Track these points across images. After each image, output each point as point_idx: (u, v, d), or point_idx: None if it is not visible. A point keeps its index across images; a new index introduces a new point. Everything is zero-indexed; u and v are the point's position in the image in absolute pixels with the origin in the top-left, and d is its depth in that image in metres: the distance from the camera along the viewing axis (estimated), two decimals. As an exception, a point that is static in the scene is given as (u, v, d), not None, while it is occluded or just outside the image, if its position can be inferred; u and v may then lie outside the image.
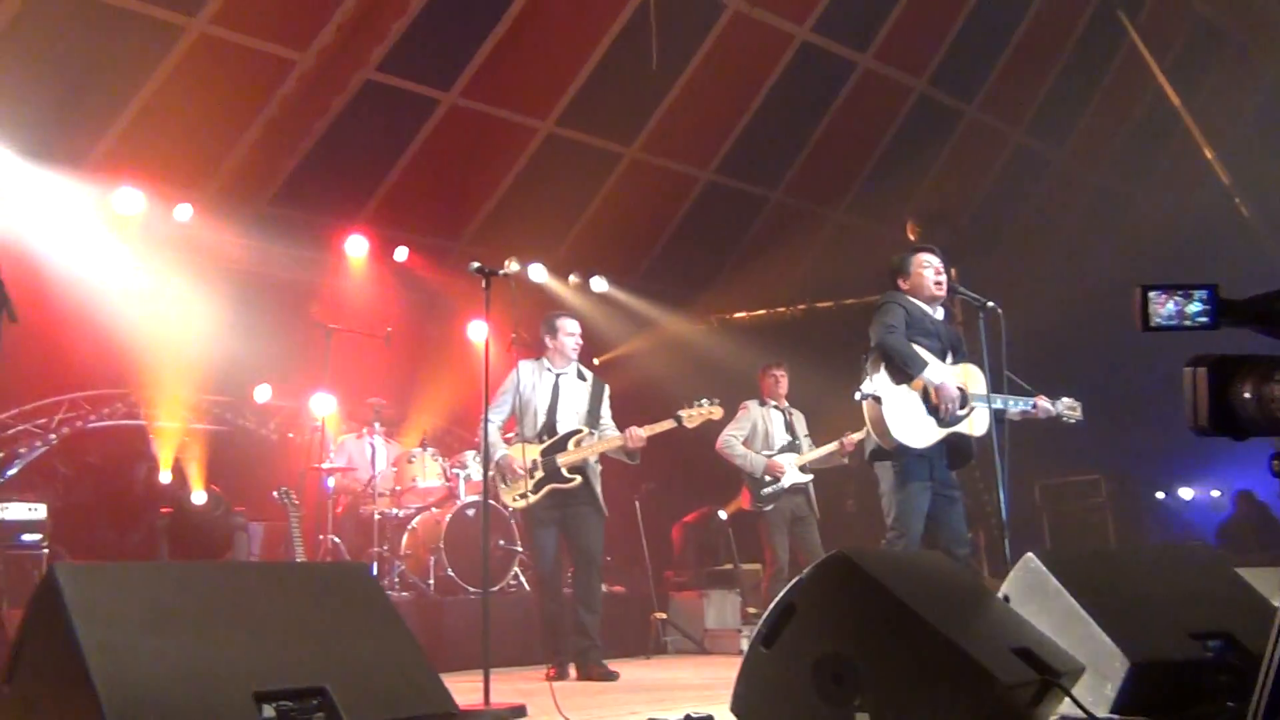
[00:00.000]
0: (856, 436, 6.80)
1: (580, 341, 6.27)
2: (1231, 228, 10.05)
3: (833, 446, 7.17)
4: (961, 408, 4.99)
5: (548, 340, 6.19)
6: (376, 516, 7.51)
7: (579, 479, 5.95)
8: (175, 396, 8.32)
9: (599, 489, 6.05)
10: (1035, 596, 3.34)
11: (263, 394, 8.86)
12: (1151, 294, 2.08)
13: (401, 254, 9.22)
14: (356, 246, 9.02)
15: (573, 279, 10.11)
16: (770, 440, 7.30)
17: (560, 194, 9.66)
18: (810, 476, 7.26)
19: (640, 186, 9.97)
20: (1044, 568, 3.37)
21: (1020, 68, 10.65)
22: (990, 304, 5.03)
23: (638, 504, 8.04)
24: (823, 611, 2.96)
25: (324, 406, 7.87)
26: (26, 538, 6.40)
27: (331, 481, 7.66)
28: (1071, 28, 10.74)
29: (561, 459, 5.96)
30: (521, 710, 4.15)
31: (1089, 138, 11.61)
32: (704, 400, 6.17)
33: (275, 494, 6.99)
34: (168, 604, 2.50)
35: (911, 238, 9.99)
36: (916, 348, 5.00)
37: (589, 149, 9.55)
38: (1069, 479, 10.41)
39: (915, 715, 2.72)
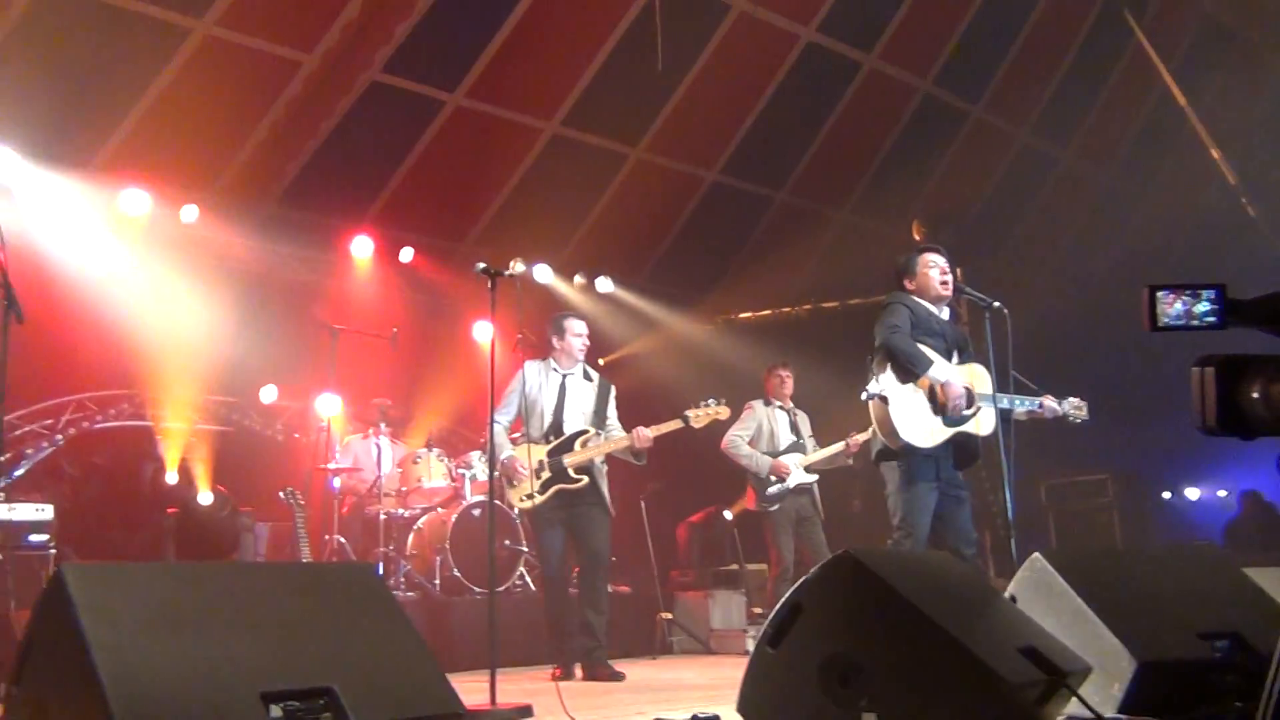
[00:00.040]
0: (862, 437, 6.79)
1: (587, 342, 6.27)
2: (1238, 228, 10.03)
3: (838, 447, 7.17)
4: (968, 407, 4.99)
5: (555, 341, 6.19)
6: (382, 517, 7.52)
7: (585, 479, 5.95)
8: (181, 397, 8.34)
9: (606, 489, 6.05)
10: (1042, 596, 3.34)
11: (269, 395, 8.87)
12: (1159, 294, 2.08)
13: (407, 255, 9.23)
14: (362, 247, 9.03)
15: (578, 279, 10.11)
16: (775, 440, 7.29)
17: (565, 195, 9.66)
18: (815, 477, 7.25)
19: (646, 187, 9.97)
20: (1050, 567, 3.36)
21: (1026, 68, 10.63)
22: (996, 304, 5.04)
23: (643, 504, 8.04)
24: (829, 612, 2.95)
25: (330, 407, 7.88)
26: (34, 538, 6.40)
27: (337, 482, 7.66)
28: (1078, 28, 10.71)
29: (568, 459, 5.96)
30: (528, 710, 4.15)
31: (1095, 138, 11.57)
32: (710, 400, 6.17)
33: (281, 494, 7.02)
34: (175, 604, 2.50)
35: (917, 238, 9.96)
36: (921, 347, 5.00)
37: (594, 150, 9.55)
38: (1075, 479, 10.37)
39: (922, 716, 2.72)
